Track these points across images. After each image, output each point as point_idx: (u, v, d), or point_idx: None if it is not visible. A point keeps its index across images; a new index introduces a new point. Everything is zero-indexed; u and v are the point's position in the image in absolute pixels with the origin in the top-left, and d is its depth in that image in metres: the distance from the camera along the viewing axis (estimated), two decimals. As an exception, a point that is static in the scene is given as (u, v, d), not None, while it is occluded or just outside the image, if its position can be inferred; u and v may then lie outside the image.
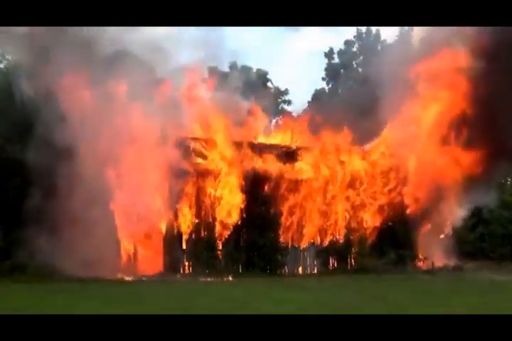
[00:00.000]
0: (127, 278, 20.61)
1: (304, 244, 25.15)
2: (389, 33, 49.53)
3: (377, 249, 25.92)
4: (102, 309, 12.37)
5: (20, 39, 21.23)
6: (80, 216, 19.62)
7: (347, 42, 43.55)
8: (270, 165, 24.46)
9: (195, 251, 22.78)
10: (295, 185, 24.94)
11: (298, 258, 25.02)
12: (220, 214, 23.34)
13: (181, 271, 22.57)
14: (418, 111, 26.23)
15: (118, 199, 21.29)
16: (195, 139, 24.01)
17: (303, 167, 25.25)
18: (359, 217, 26.27)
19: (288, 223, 24.79)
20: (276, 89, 40.75)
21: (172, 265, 22.50)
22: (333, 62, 44.08)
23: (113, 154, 21.28)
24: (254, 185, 23.75)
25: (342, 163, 26.11)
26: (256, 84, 34.06)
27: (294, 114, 32.57)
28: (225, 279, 21.57)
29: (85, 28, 21.06)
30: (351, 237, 25.82)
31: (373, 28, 42.53)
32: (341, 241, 25.76)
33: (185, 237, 22.93)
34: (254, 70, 38.01)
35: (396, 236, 26.20)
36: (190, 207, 23.00)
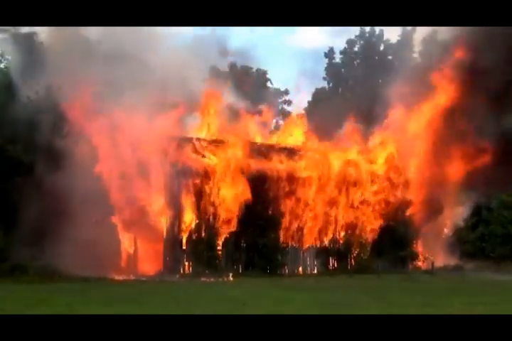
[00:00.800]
0: (127, 278, 20.62)
1: (304, 244, 25.15)
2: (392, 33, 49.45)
3: (377, 249, 25.93)
4: (102, 309, 12.38)
5: (21, 39, 21.24)
6: (80, 216, 19.63)
7: (349, 42, 43.60)
8: (271, 165, 24.47)
9: (196, 251, 22.77)
10: (295, 184, 24.94)
11: (298, 259, 25.02)
12: (221, 214, 23.33)
13: (181, 271, 22.56)
14: (418, 111, 26.25)
15: (118, 199, 21.30)
16: (196, 139, 24.04)
17: (303, 167, 25.27)
18: (359, 217, 26.27)
19: (288, 223, 24.79)
20: (277, 89, 40.81)
21: (172, 265, 22.51)
22: (333, 61, 44.15)
23: (114, 154, 21.29)
24: (255, 185, 23.73)
25: (342, 162, 26.11)
26: (256, 84, 34.11)
27: (294, 114, 32.54)
28: (225, 279, 21.57)
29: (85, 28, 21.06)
30: (351, 237, 25.84)
31: (376, 28, 42.59)
32: (341, 241, 25.79)
33: (185, 237, 22.95)
34: (254, 70, 38.07)
35: (396, 236, 26.21)
36: (190, 207, 22.98)
